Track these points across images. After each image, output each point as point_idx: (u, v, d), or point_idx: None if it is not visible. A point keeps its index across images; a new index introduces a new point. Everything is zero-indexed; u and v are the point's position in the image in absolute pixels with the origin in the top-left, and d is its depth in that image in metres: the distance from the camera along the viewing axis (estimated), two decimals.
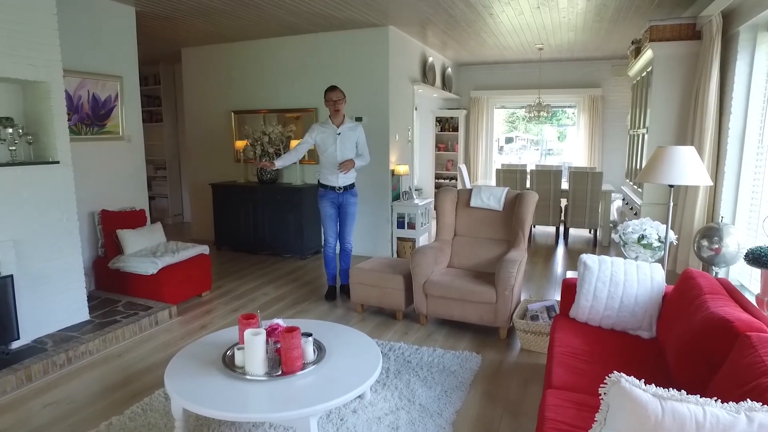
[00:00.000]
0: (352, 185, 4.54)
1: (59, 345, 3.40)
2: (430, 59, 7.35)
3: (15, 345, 3.34)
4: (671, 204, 3.14)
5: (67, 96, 3.86)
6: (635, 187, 4.78)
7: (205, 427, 2.54)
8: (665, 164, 2.92)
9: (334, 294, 4.70)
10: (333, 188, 4.46)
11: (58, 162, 3.58)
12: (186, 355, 2.58)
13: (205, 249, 4.74)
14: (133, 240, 4.47)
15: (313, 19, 5.43)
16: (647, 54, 4.24)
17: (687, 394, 1.31)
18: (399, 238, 6.27)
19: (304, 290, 4.97)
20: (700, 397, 1.31)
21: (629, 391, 1.29)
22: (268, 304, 4.57)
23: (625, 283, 2.81)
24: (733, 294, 2.47)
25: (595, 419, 1.41)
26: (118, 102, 4.75)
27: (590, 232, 7.28)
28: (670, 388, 1.33)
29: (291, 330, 2.34)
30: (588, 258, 2.92)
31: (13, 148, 3.41)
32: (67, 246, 3.69)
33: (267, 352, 2.37)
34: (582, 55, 7.86)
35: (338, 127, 4.41)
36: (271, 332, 2.45)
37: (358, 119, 6.09)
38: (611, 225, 7.22)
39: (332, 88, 4.40)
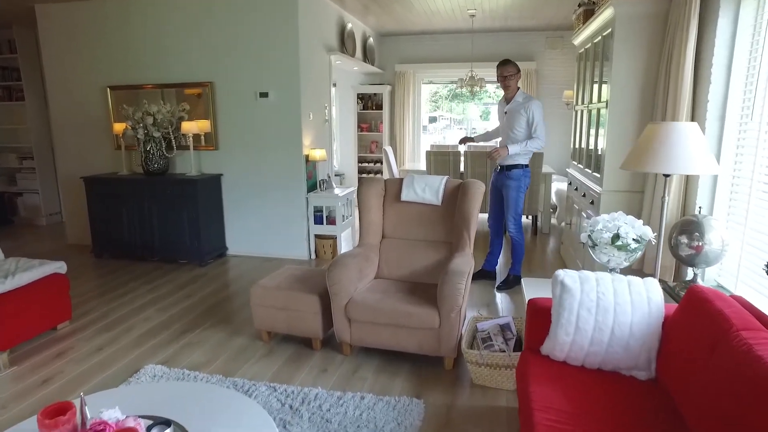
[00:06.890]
0: (512, 166, 4.17)
1: None
2: (349, 26, 6.38)
3: None
4: (667, 197, 2.43)
5: None
6: (589, 171, 4.13)
7: None
8: (662, 147, 2.20)
9: (481, 275, 4.52)
10: (495, 168, 4.38)
11: None
12: None
13: (60, 267, 3.60)
14: None
15: None
16: (606, 14, 3.56)
17: None
18: (317, 236, 5.32)
19: (199, 310, 3.94)
20: None
21: None
22: (148, 334, 3.51)
23: (616, 308, 2.08)
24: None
25: None
26: None
27: (528, 218, 6.71)
28: None
29: None
30: (566, 276, 2.16)
31: None
32: None
33: None
34: (516, 25, 7.19)
35: (507, 103, 4.19)
36: None
37: (263, 95, 5.03)
38: (551, 210, 6.70)
39: (503, 63, 4.13)
